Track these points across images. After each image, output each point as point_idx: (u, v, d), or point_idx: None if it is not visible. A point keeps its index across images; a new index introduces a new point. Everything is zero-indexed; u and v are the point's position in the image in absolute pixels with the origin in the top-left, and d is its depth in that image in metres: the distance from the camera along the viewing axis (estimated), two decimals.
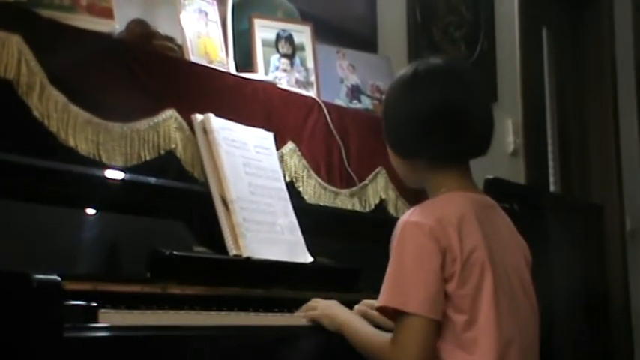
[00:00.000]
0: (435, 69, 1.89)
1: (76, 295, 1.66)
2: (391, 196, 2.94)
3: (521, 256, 1.93)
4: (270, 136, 2.54)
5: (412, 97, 1.86)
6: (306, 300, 2.10)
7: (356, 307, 2.12)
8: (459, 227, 1.78)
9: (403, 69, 1.96)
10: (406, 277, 1.76)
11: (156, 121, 2.26)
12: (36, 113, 1.97)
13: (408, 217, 1.82)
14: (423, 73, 1.88)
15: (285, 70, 2.87)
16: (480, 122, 1.89)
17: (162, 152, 2.26)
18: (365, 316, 2.02)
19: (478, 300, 1.77)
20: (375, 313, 2.03)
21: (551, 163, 5.06)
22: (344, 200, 2.79)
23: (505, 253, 1.87)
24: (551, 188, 5.02)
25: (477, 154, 1.93)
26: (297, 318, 2.06)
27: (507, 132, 4.46)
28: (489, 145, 1.92)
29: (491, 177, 3.16)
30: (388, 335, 1.83)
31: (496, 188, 3.11)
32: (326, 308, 2.03)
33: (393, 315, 1.79)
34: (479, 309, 1.77)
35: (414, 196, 2.72)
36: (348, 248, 2.63)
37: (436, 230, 1.77)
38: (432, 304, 1.74)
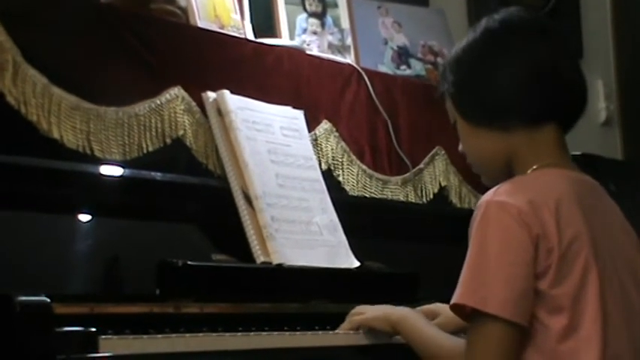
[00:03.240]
0: (517, 21, 1.93)
1: (71, 319, 1.67)
2: (453, 181, 2.93)
3: (635, 250, 1.92)
4: (300, 114, 2.54)
5: (500, 54, 1.89)
6: None
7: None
8: (557, 211, 1.77)
9: (476, 25, 1.96)
10: (487, 270, 1.75)
11: (158, 102, 2.27)
12: (10, 99, 1.98)
13: (493, 194, 1.81)
14: (506, 26, 1.91)
15: (315, 33, 2.87)
16: (575, 84, 1.91)
17: (168, 141, 2.27)
18: None
19: (580, 303, 1.76)
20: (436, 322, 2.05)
21: None
22: (395, 190, 2.78)
23: (614, 246, 1.85)
24: None
25: (572, 121, 1.94)
26: (343, 336, 2.06)
27: (597, 96, 4.41)
28: (584, 106, 1.94)
29: (579, 152, 3.12)
30: (459, 341, 1.83)
31: (586, 165, 3.08)
32: (377, 311, 2.05)
33: (470, 316, 1.79)
34: (581, 314, 1.75)
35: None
36: (402, 249, 2.62)
37: (527, 214, 1.75)
38: (516, 305, 1.73)
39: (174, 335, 1.81)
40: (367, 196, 2.69)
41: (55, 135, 2.05)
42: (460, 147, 1.98)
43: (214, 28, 2.50)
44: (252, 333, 1.95)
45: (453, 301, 1.78)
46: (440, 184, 2.90)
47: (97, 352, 1.63)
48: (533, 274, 1.75)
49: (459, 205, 2.92)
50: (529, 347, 1.76)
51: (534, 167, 1.86)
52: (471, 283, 1.77)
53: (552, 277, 1.75)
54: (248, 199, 2.25)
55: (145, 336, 1.76)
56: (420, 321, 2.00)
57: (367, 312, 2.08)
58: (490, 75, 1.89)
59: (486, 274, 1.75)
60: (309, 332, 2.04)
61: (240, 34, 2.58)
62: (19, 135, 2.00)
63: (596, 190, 1.92)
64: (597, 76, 4.43)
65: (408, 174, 2.83)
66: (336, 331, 2.08)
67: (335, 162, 2.64)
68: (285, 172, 2.37)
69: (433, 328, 1.97)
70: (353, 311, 2.10)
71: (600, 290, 1.77)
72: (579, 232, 1.78)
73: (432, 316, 2.14)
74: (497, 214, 1.77)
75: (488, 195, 1.81)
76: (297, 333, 2.02)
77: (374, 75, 2.84)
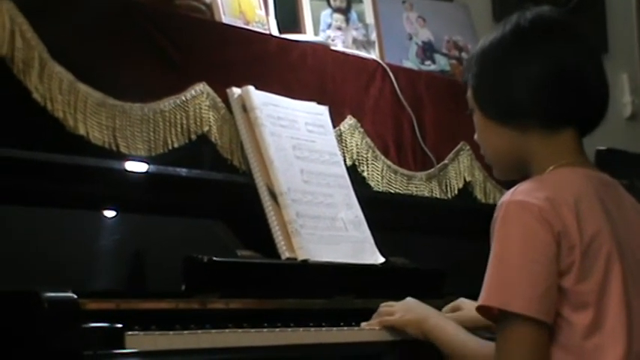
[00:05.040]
0: (547, 22, 1.92)
1: (97, 315, 1.67)
2: (478, 177, 2.92)
3: None
4: (324, 110, 2.53)
5: (525, 53, 1.88)
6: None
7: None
8: (577, 208, 1.77)
9: (506, 20, 1.96)
10: (510, 270, 1.74)
11: (183, 99, 2.27)
12: (36, 95, 1.99)
13: (512, 195, 1.81)
14: (535, 26, 1.91)
15: (339, 29, 2.87)
16: (597, 91, 1.90)
17: (193, 137, 2.28)
18: None
19: (604, 299, 1.75)
20: (457, 315, 2.06)
21: None
22: (419, 185, 2.77)
23: (636, 243, 1.85)
24: None
25: (592, 124, 1.93)
26: (369, 332, 2.05)
27: (623, 90, 4.39)
28: (604, 113, 1.93)
29: (604, 147, 3.11)
30: (492, 345, 1.82)
31: (611, 161, 3.07)
32: (407, 311, 2.05)
33: (497, 316, 1.79)
34: (605, 310, 1.75)
35: None
36: (427, 245, 2.62)
37: (548, 211, 1.75)
38: (541, 302, 1.72)
39: (199, 331, 1.81)
40: (392, 191, 2.69)
41: (81, 131, 2.06)
42: (475, 136, 1.97)
43: (239, 24, 2.50)
44: (277, 329, 1.95)
45: (479, 303, 1.78)
46: (465, 179, 2.89)
47: (123, 348, 1.64)
48: (556, 272, 1.75)
49: (483, 201, 2.91)
50: (554, 345, 1.76)
51: (552, 167, 1.86)
52: (495, 284, 1.76)
53: (576, 273, 1.75)
54: (273, 195, 2.25)
55: (170, 332, 1.76)
56: (450, 329, 1.98)
57: (397, 311, 2.07)
58: (511, 73, 1.89)
59: (510, 274, 1.75)
60: (335, 328, 2.04)
61: (264, 29, 2.58)
62: (46, 132, 2.01)
63: (615, 188, 1.92)
64: (622, 70, 4.40)
65: (432, 169, 2.83)
66: (362, 326, 2.08)
67: (360, 157, 2.64)
68: (309, 167, 2.37)
69: (465, 334, 1.95)
70: (382, 309, 2.10)
71: (624, 286, 1.76)
72: (600, 228, 1.78)
73: (455, 312, 2.14)
74: (518, 213, 1.77)
75: (508, 195, 1.81)
76: (323, 329, 2.02)
77: (398, 70, 2.83)
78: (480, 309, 1.79)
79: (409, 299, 2.10)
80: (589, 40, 1.94)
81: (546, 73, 1.85)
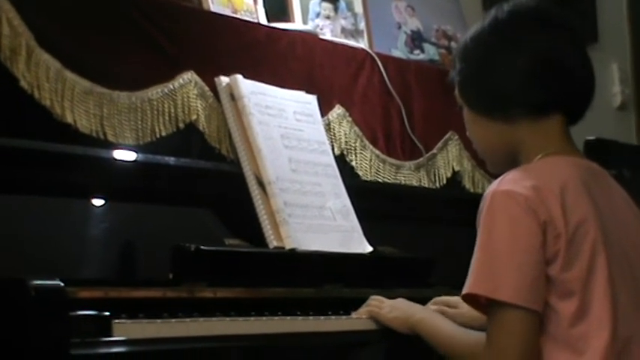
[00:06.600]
0: (525, 13, 1.93)
1: (84, 303, 1.67)
2: (466, 167, 2.93)
3: None
4: (313, 99, 2.53)
5: (504, 44, 1.89)
6: (367, 300, 2.10)
7: (429, 306, 2.12)
8: (562, 196, 1.77)
9: (486, 15, 1.97)
10: (497, 259, 1.75)
11: (171, 87, 2.27)
12: (23, 83, 1.99)
13: (498, 185, 1.81)
14: (513, 17, 1.92)
15: (328, 17, 2.86)
16: (581, 75, 1.91)
17: (181, 126, 2.28)
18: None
19: (590, 286, 1.76)
20: (454, 312, 2.03)
21: None
22: (408, 175, 2.78)
23: (624, 232, 1.85)
24: None
25: (578, 112, 1.93)
26: (357, 321, 2.05)
27: (612, 80, 4.40)
28: (590, 99, 1.93)
29: (593, 137, 3.11)
30: (480, 335, 1.83)
31: (600, 151, 3.07)
32: (395, 309, 2.04)
33: (485, 307, 1.79)
34: (591, 297, 1.75)
35: None
36: (415, 234, 2.62)
37: (533, 200, 1.76)
38: (530, 290, 1.73)
39: (187, 320, 1.81)
40: (380, 181, 2.69)
41: (69, 119, 2.06)
42: (467, 132, 1.99)
43: (227, 12, 2.50)
44: (265, 318, 1.95)
45: (464, 291, 1.78)
46: (453, 169, 2.90)
47: (111, 336, 1.63)
48: (543, 261, 1.75)
49: (472, 190, 2.92)
50: (543, 335, 1.76)
51: (539, 156, 1.87)
52: (481, 272, 1.77)
53: (561, 262, 1.75)
54: (261, 184, 2.25)
55: (158, 320, 1.76)
56: (437, 321, 1.98)
57: (385, 307, 2.06)
58: (494, 65, 1.90)
59: (497, 263, 1.75)
60: (322, 317, 2.04)
61: (253, 18, 2.58)
62: (33, 119, 2.00)
63: (602, 177, 1.92)
64: (612, 60, 4.41)
65: (421, 159, 2.83)
66: (350, 316, 2.08)
67: (348, 147, 2.64)
68: (298, 156, 2.37)
69: (452, 325, 1.95)
70: (370, 302, 2.09)
71: (609, 273, 1.77)
72: (586, 216, 1.78)
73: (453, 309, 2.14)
74: (504, 202, 1.77)
75: (494, 185, 1.82)
76: (310, 318, 2.02)
77: (387, 59, 2.83)
78: (466, 297, 1.80)
79: (400, 299, 2.09)
80: (571, 27, 1.94)
81: (526, 62, 1.86)
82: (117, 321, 1.67)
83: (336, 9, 2.88)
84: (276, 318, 1.97)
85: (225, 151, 2.33)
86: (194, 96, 2.30)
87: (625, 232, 1.86)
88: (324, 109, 2.57)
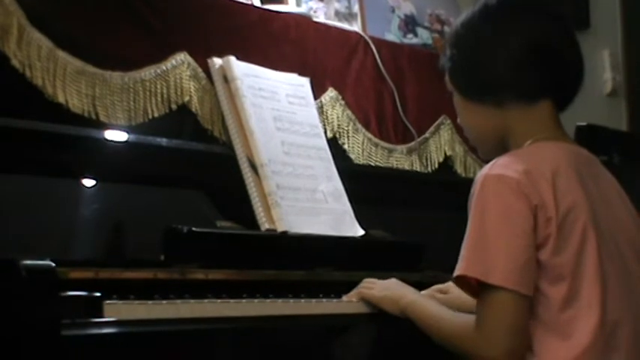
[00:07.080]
0: (520, 1, 1.95)
1: (75, 284, 1.67)
2: (458, 151, 2.93)
3: (635, 223, 1.92)
4: (305, 82, 2.53)
5: (494, 30, 1.91)
6: (358, 283, 2.10)
7: (423, 293, 2.12)
8: (554, 181, 1.78)
9: (476, 0, 1.97)
10: (488, 242, 1.75)
11: (164, 68, 2.26)
12: (15, 62, 1.98)
13: (490, 169, 1.82)
14: (502, 3, 1.93)
15: (321, 0, 2.85)
16: (570, 61, 1.92)
17: (173, 107, 2.27)
18: None
19: (579, 271, 1.77)
20: (445, 297, 2.03)
21: None
22: (400, 158, 2.78)
23: (614, 218, 1.86)
24: None
25: (567, 97, 1.94)
26: (348, 304, 2.05)
27: (603, 67, 4.39)
28: (579, 82, 1.94)
29: (583, 123, 3.11)
30: (470, 317, 1.83)
31: (591, 137, 3.07)
32: (386, 289, 2.04)
33: (475, 290, 1.80)
34: (581, 282, 1.76)
35: None
36: (407, 218, 2.62)
37: (525, 185, 1.76)
38: (521, 274, 1.73)
39: (178, 301, 1.80)
40: (372, 164, 2.70)
41: (60, 99, 2.06)
42: (459, 119, 1.99)
43: None
44: (256, 300, 1.95)
45: (455, 273, 1.79)
46: (445, 153, 2.90)
47: (102, 317, 1.63)
48: (534, 245, 1.76)
49: (463, 175, 2.92)
50: (533, 319, 1.77)
51: (529, 141, 1.87)
52: (473, 255, 1.77)
53: (552, 246, 1.76)
54: (253, 167, 2.25)
55: (149, 301, 1.76)
56: (427, 304, 1.97)
57: (376, 287, 2.06)
58: (484, 52, 1.91)
59: (488, 247, 1.76)
60: (314, 300, 2.04)
61: (246, 0, 2.57)
62: (24, 99, 2.00)
63: (593, 163, 1.94)
64: (603, 46, 4.40)
65: (413, 143, 2.83)
66: (341, 299, 2.08)
67: (340, 130, 2.64)
68: (290, 139, 2.37)
69: (442, 308, 1.94)
70: (360, 286, 2.09)
71: (599, 258, 1.78)
72: (577, 201, 1.79)
73: (444, 294, 2.14)
74: (495, 186, 1.78)
75: (485, 169, 1.83)
76: (302, 300, 2.02)
77: (380, 43, 2.83)
78: (457, 280, 1.80)
79: (392, 280, 2.09)
80: (560, 14, 1.95)
81: (515, 48, 1.88)
82: (108, 302, 1.66)
83: None
84: (267, 300, 1.97)
85: (218, 133, 2.33)
86: (187, 77, 2.29)
87: (614, 217, 1.87)
88: (317, 92, 2.57)
